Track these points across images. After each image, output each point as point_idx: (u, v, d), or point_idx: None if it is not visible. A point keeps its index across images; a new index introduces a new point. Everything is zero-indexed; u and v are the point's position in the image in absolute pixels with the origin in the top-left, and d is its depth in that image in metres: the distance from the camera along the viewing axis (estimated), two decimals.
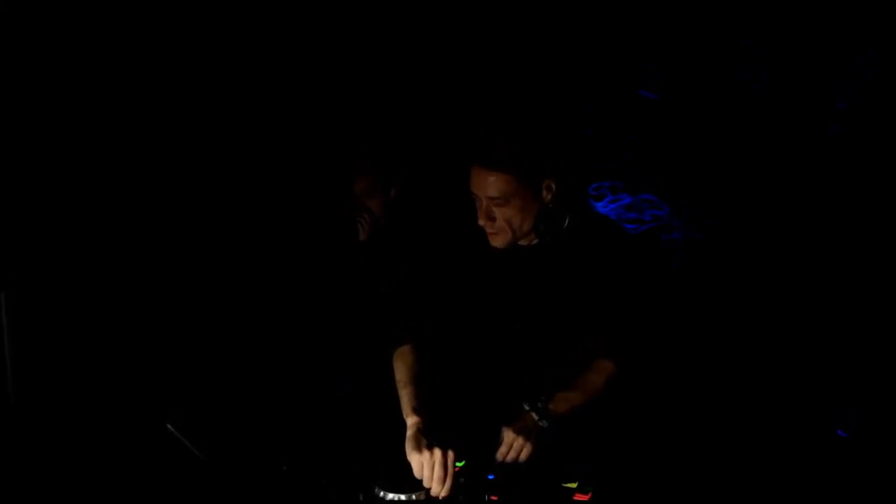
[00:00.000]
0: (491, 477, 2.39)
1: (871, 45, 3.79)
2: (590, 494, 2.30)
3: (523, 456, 2.44)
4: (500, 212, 2.58)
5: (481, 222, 2.61)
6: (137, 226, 3.40)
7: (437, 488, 2.30)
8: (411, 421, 2.43)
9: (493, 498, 2.29)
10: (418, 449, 2.33)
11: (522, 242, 2.67)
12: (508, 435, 2.45)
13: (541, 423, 2.48)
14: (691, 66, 3.91)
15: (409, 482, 2.32)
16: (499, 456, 2.45)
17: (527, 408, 2.50)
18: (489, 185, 2.55)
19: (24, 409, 2.86)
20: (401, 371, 2.60)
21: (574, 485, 2.33)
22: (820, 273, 3.58)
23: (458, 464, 2.39)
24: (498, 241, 2.63)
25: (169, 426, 2.33)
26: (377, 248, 3.33)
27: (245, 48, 3.65)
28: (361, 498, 2.28)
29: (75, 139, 3.30)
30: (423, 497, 2.30)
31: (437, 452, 2.31)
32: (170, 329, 3.36)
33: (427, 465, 2.31)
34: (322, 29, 3.79)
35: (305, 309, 3.35)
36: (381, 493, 2.29)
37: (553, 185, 2.58)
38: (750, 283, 3.39)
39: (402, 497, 2.29)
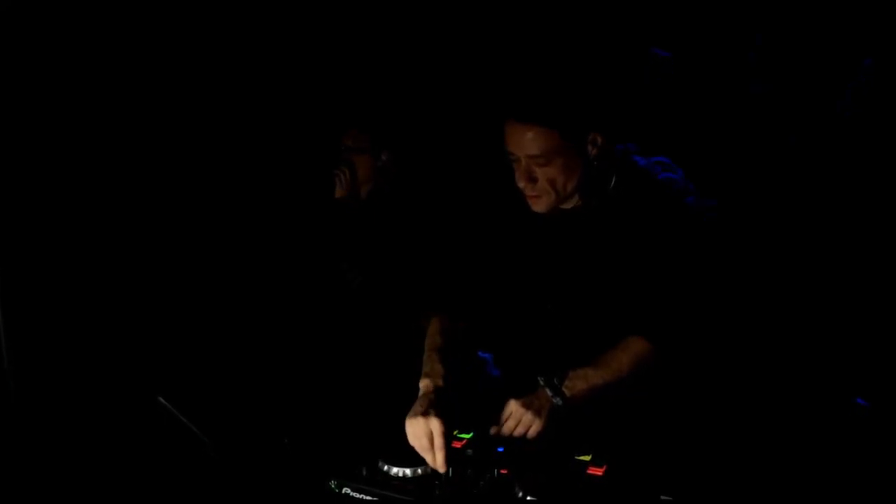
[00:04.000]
0: (500, 450, 2.26)
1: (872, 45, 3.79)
2: (605, 468, 2.18)
3: (532, 432, 2.30)
4: (541, 172, 2.35)
5: (521, 184, 2.38)
6: (124, 205, 3.30)
7: (429, 459, 2.17)
8: (420, 385, 2.33)
9: (503, 471, 2.16)
10: (411, 417, 2.22)
11: (564, 206, 2.46)
12: (518, 409, 2.31)
13: (554, 401, 2.33)
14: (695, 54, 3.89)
15: (413, 456, 2.20)
16: (505, 430, 2.30)
17: (541, 382, 2.35)
18: (528, 142, 2.32)
19: (20, 388, 2.75)
20: (426, 340, 2.46)
21: (588, 457, 2.21)
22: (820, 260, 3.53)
23: (466, 435, 2.28)
24: (540, 205, 2.41)
25: (161, 399, 2.22)
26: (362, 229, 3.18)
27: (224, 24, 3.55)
28: (365, 472, 2.17)
29: (64, 130, 3.21)
30: (428, 471, 2.19)
31: (422, 421, 2.18)
32: (164, 307, 3.25)
33: (415, 436, 2.19)
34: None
35: (300, 283, 3.24)
36: (385, 468, 2.18)
37: (599, 139, 2.36)
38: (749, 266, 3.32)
39: (407, 471, 2.18)
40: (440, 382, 2.33)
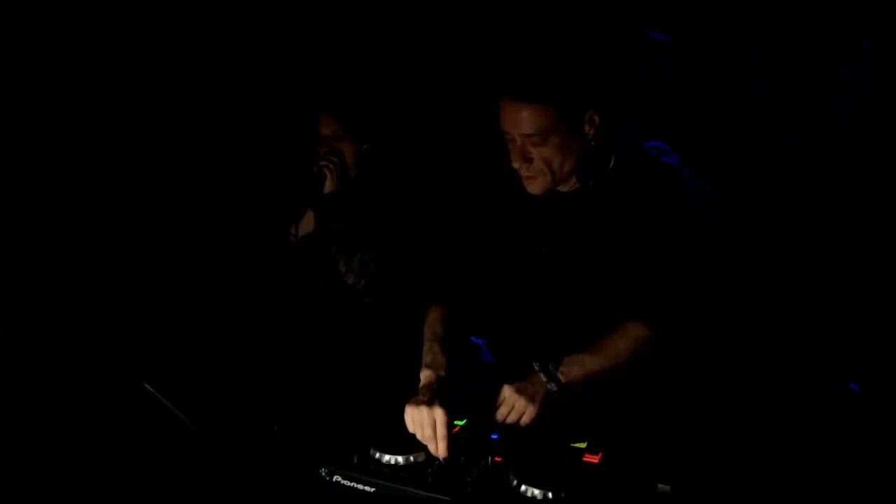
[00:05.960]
0: (495, 437, 2.22)
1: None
2: (600, 455, 2.14)
3: (525, 419, 2.25)
4: (536, 151, 2.31)
5: (516, 164, 2.34)
6: (119, 202, 3.26)
7: (431, 447, 2.13)
8: (421, 376, 2.29)
9: (497, 459, 2.12)
10: (413, 405, 2.17)
11: (562, 188, 2.42)
12: (511, 395, 2.26)
13: (549, 387, 2.28)
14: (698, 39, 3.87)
15: (407, 444, 2.16)
16: (498, 416, 2.25)
17: (536, 368, 2.30)
18: (523, 121, 2.28)
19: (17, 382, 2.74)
20: (426, 329, 2.43)
21: (583, 444, 2.17)
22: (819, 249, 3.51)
23: (459, 423, 2.23)
24: (535, 186, 2.37)
25: (147, 385, 2.18)
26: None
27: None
28: (356, 460, 2.12)
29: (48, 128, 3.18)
30: (421, 459, 2.14)
31: (425, 410, 2.14)
32: (153, 294, 3.21)
33: (417, 424, 2.15)
34: None
35: (289, 271, 3.18)
36: (378, 455, 2.14)
37: (596, 118, 2.33)
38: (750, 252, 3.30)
39: (400, 459, 2.13)
40: (442, 373, 2.29)
